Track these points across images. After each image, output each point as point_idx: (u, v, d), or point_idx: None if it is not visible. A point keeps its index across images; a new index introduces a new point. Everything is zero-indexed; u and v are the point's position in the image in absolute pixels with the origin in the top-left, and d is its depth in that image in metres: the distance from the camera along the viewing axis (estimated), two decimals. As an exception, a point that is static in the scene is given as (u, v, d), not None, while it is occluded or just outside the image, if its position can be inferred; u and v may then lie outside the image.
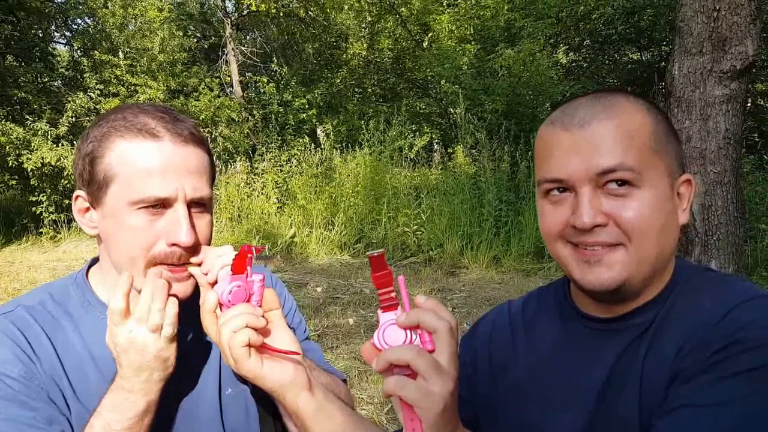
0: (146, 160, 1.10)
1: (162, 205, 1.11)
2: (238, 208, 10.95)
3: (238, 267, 1.04)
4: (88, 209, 1.18)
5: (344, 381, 1.44)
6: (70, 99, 12.59)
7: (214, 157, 1.33)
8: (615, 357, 1.01)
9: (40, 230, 12.25)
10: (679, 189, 1.02)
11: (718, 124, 4.93)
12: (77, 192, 1.18)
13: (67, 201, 12.31)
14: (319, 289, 7.41)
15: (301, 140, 13.46)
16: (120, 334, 1.05)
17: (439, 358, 0.84)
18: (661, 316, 1.00)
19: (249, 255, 1.04)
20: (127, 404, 1.05)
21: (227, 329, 0.99)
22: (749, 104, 13.27)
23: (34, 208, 12.22)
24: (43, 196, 12.17)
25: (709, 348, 0.87)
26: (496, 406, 1.18)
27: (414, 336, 0.86)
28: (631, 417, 0.94)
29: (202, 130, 1.25)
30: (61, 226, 12.26)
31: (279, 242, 9.92)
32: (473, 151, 10.53)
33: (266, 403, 1.22)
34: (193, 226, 1.13)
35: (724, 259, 5.19)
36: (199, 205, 1.17)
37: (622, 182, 0.96)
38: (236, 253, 1.06)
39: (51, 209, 12.20)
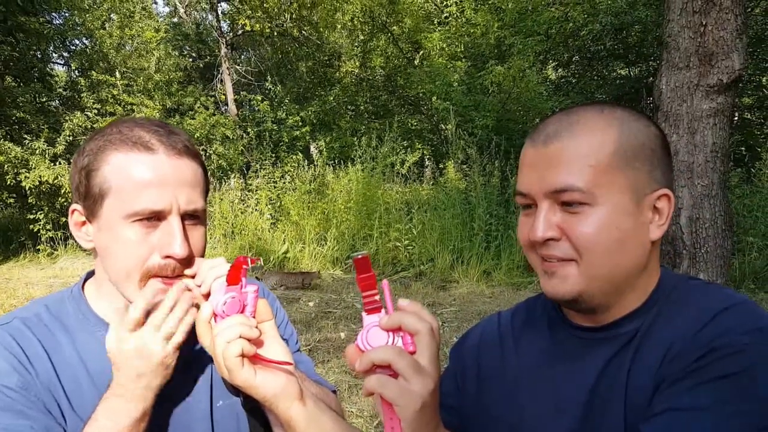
0: (141, 173, 1.08)
1: (156, 217, 1.10)
2: (232, 224, 10.84)
3: (233, 278, 1.03)
4: (84, 223, 1.17)
5: (334, 392, 1.42)
6: (67, 118, 12.63)
7: (209, 174, 1.30)
8: (602, 365, 1.01)
9: (38, 247, 12.21)
10: (656, 203, 1.00)
11: (706, 137, 4.92)
12: (73, 206, 1.17)
13: (64, 219, 12.27)
14: (311, 304, 7.31)
15: (294, 157, 13.41)
16: (127, 339, 1.04)
17: (420, 360, 0.85)
18: (646, 326, 0.99)
19: (244, 266, 1.03)
20: (122, 411, 1.04)
21: (221, 339, 0.97)
22: (736, 118, 13.24)
23: (31, 226, 12.22)
24: (40, 213, 12.19)
25: (691, 355, 0.87)
26: (485, 415, 1.17)
27: (396, 338, 0.87)
28: (616, 425, 0.94)
29: (196, 147, 1.21)
30: (58, 243, 12.26)
31: (272, 258, 9.84)
32: (464, 166, 10.49)
33: (257, 415, 1.19)
34: (186, 238, 1.11)
35: (712, 272, 5.19)
36: (192, 217, 1.15)
37: (575, 201, 0.96)
38: (231, 264, 1.05)
39: (48, 227, 12.21)
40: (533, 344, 1.16)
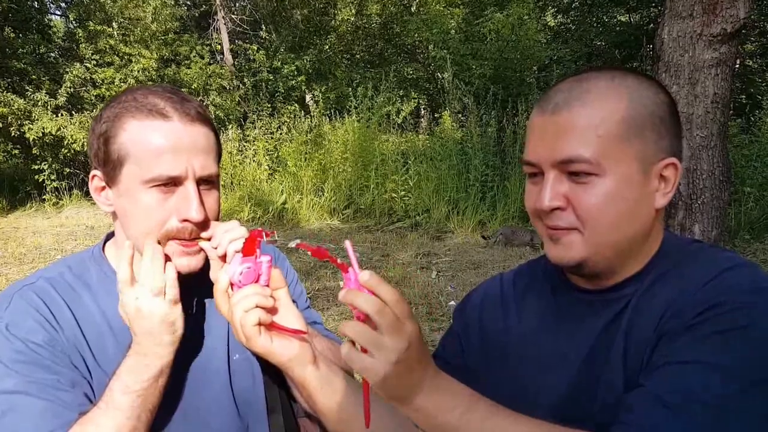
0: (157, 140, 1.09)
1: (173, 183, 1.11)
2: (231, 175, 10.67)
3: (249, 249, 1.06)
4: (104, 188, 1.18)
5: None
6: (67, 70, 12.32)
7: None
8: (603, 325, 1.00)
9: (43, 197, 12.22)
10: (663, 172, 0.97)
11: (707, 88, 4.69)
12: (93, 171, 1.18)
13: (68, 169, 12.36)
14: (309, 253, 7.22)
15: (290, 107, 13.13)
16: (128, 302, 1.07)
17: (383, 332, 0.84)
18: (646, 286, 0.98)
19: (259, 239, 1.06)
20: (142, 367, 1.07)
21: (239, 308, 1.01)
22: (737, 65, 12.77)
23: (36, 176, 12.21)
24: (44, 164, 12.15)
25: (692, 311, 0.87)
26: (488, 374, 1.15)
27: None
28: (616, 378, 0.94)
29: (208, 113, 1.21)
30: (63, 193, 12.24)
31: (270, 208, 9.72)
32: (460, 116, 10.20)
33: (270, 368, 1.23)
34: (202, 202, 1.12)
35: (707, 223, 5.05)
36: (207, 182, 1.16)
37: (582, 172, 0.94)
38: (247, 237, 1.08)
39: (53, 177, 12.19)
40: (536, 306, 1.15)
